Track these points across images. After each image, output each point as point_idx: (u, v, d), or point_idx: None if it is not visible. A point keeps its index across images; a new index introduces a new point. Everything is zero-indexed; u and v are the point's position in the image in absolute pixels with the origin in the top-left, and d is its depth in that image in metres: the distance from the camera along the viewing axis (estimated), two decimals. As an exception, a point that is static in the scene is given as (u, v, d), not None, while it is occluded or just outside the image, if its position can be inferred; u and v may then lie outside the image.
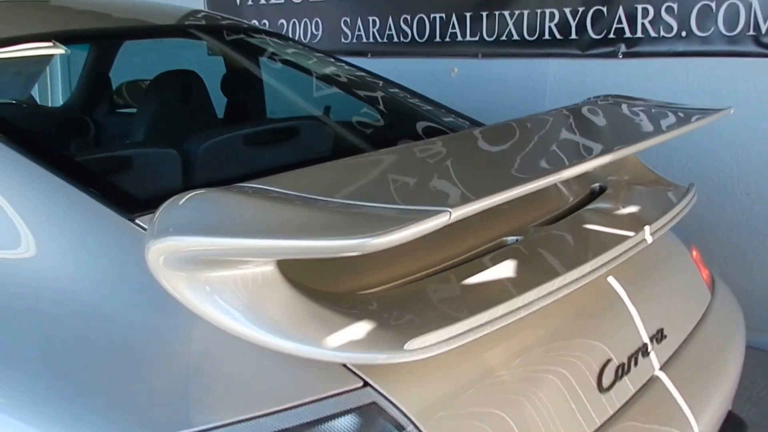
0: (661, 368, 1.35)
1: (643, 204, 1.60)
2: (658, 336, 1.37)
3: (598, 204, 1.55)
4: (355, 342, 0.94)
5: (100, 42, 2.68)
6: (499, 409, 1.07)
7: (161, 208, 0.98)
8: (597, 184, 1.68)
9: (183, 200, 0.99)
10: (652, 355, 1.34)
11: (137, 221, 1.12)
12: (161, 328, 1.05)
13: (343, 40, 4.00)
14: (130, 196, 1.21)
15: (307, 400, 0.96)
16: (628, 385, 1.25)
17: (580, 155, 1.26)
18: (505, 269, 1.17)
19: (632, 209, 1.56)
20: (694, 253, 1.75)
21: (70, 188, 1.14)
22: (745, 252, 3.03)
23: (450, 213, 0.89)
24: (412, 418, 0.98)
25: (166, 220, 0.96)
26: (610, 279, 1.37)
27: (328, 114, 2.17)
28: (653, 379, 1.32)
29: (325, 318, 0.97)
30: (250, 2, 4.32)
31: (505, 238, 1.33)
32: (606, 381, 1.21)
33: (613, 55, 3.23)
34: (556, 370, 1.16)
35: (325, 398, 0.97)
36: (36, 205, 1.14)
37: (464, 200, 0.95)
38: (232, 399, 0.96)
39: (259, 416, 0.94)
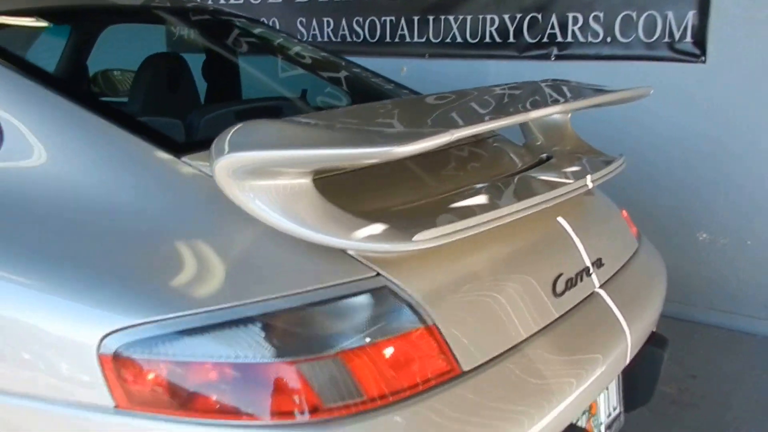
0: (600, 287, 1.65)
1: (582, 166, 1.92)
2: (598, 263, 1.67)
3: (546, 167, 1.86)
4: (371, 236, 1.20)
5: (76, 25, 2.82)
6: (482, 296, 1.35)
7: (219, 136, 1.21)
8: (545, 154, 2.00)
9: (234, 129, 1.23)
10: (594, 276, 1.64)
11: (183, 159, 1.37)
12: (207, 228, 1.28)
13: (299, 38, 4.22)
14: (176, 142, 1.46)
15: (329, 284, 1.20)
16: (576, 294, 1.55)
17: (530, 108, 1.56)
18: (479, 198, 1.46)
19: (573, 169, 1.87)
20: (624, 213, 2.09)
21: (137, 138, 1.40)
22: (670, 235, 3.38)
23: (453, 133, 1.16)
24: (417, 299, 1.24)
25: (221, 143, 1.19)
26: (562, 219, 1.68)
27: (304, 97, 2.44)
28: (594, 294, 1.62)
29: (347, 219, 1.22)
30: (210, 1, 4.51)
31: (473, 185, 1.61)
32: (559, 288, 1.50)
33: (546, 57, 3.50)
34: (524, 275, 1.45)
35: (344, 283, 1.21)
36: (113, 150, 1.39)
37: (459, 127, 1.22)
38: (272, 280, 1.20)
39: (291, 294, 1.18)
